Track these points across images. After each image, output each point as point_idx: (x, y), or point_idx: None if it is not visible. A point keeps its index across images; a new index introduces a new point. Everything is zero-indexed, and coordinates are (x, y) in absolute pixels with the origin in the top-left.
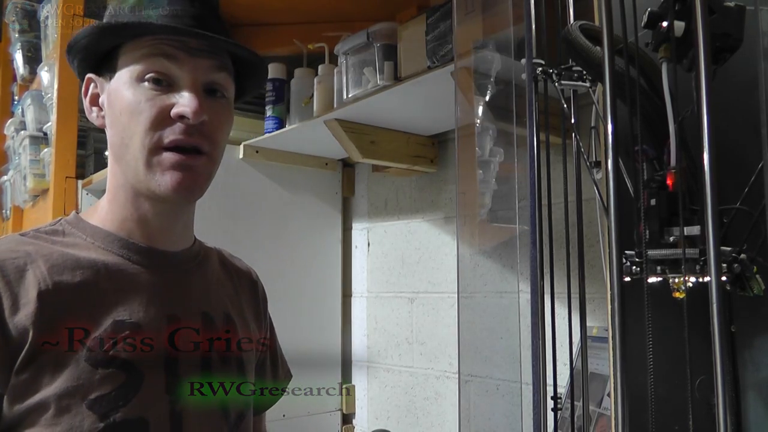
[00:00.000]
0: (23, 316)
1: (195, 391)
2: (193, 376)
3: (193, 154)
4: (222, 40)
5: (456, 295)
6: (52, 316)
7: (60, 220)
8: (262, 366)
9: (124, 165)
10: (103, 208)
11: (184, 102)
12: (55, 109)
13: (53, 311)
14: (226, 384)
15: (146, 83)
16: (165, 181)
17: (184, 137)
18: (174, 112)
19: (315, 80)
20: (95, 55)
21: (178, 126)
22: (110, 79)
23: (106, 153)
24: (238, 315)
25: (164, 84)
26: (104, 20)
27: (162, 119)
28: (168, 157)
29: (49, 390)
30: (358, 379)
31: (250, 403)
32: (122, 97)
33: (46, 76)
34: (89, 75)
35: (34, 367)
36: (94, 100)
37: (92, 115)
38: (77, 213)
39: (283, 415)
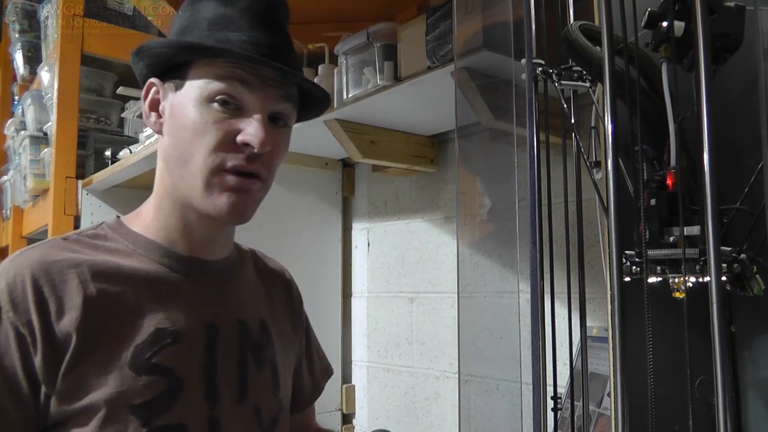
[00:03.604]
0: (68, 321)
1: (231, 397)
2: (230, 382)
3: (252, 178)
4: (297, 76)
5: (456, 295)
6: (96, 322)
7: (102, 224)
8: (299, 366)
9: (179, 178)
10: (148, 215)
11: (251, 131)
12: (55, 109)
13: (97, 318)
14: (260, 389)
15: (215, 104)
16: (221, 202)
17: (245, 164)
18: (240, 139)
19: (315, 80)
20: (165, 64)
21: (242, 153)
22: (176, 88)
23: (107, 153)
24: (272, 320)
25: (232, 107)
26: (176, 27)
27: (227, 143)
28: (229, 178)
29: (96, 395)
30: (358, 379)
31: (285, 407)
32: (188, 113)
33: (46, 76)
34: (152, 80)
35: (79, 371)
36: (154, 106)
37: (150, 119)
38: (119, 217)
39: None
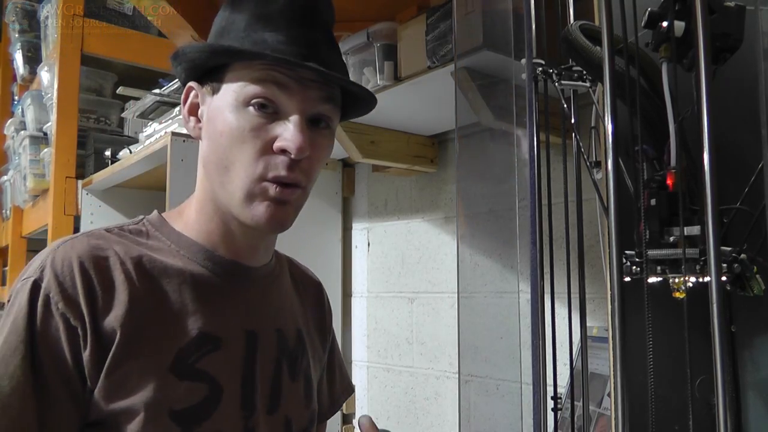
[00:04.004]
0: (113, 317)
1: (264, 407)
2: (264, 392)
3: (291, 188)
4: (336, 76)
5: (456, 295)
6: (140, 321)
7: (143, 219)
8: (320, 379)
9: (218, 185)
10: (190, 215)
11: (288, 136)
12: (55, 109)
13: (141, 317)
14: (292, 401)
15: (251, 108)
16: (260, 212)
17: (286, 173)
18: (277, 145)
19: None
20: (201, 68)
21: (281, 160)
22: (214, 92)
23: (107, 153)
24: (306, 331)
25: (270, 111)
26: (215, 28)
27: (265, 150)
28: (269, 188)
29: (137, 398)
30: (358, 379)
31: (315, 420)
32: (225, 118)
33: (46, 76)
34: (191, 83)
35: (122, 371)
36: (193, 110)
37: (189, 124)
38: (160, 215)
39: None
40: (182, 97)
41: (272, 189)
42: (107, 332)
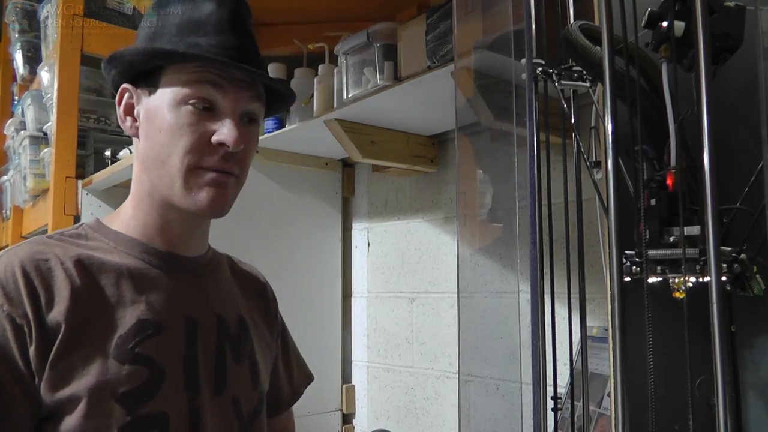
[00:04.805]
0: (57, 312)
1: (209, 388)
2: (208, 374)
3: (226, 174)
4: (265, 76)
5: (456, 295)
6: (83, 314)
7: (82, 224)
8: (276, 367)
9: (156, 178)
10: (126, 214)
11: (225, 131)
12: (55, 109)
13: (83, 310)
14: (239, 382)
15: (188, 107)
16: (201, 197)
17: (221, 163)
18: (215, 139)
19: (315, 80)
20: (137, 70)
21: (217, 153)
22: (150, 93)
23: (107, 153)
24: (250, 318)
25: (206, 108)
26: (144, 33)
27: (201, 144)
28: (206, 175)
29: (81, 384)
30: (358, 379)
31: (264, 401)
32: (163, 117)
33: (46, 76)
34: (125, 85)
35: (67, 361)
36: (129, 110)
37: (125, 124)
38: (98, 219)
39: None
40: (117, 98)
41: (208, 175)
42: (52, 327)
